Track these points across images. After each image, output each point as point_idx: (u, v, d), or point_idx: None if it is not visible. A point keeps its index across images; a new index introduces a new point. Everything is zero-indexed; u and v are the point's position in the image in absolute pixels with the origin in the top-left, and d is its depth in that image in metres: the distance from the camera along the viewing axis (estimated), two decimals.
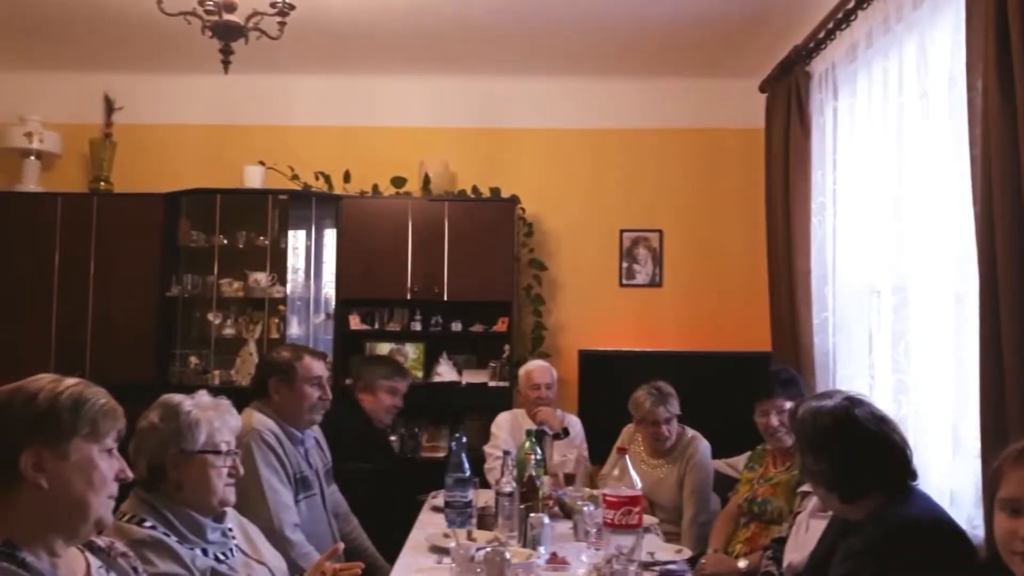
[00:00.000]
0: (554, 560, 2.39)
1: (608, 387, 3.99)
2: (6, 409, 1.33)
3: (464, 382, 4.74)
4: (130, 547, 1.66)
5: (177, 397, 2.00)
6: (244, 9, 2.86)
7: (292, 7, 2.93)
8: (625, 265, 5.06)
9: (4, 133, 4.85)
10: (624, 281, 5.06)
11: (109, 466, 1.42)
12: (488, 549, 2.15)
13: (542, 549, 2.44)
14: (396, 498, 3.17)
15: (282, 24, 2.92)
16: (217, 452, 1.93)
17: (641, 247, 5.07)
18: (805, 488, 2.63)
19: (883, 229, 2.93)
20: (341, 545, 2.06)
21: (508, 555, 2.14)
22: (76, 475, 1.34)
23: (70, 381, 1.41)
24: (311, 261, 4.75)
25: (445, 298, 4.64)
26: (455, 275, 4.64)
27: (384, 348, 4.76)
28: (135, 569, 1.54)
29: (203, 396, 2.03)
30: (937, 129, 2.55)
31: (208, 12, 2.82)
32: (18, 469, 1.29)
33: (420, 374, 4.74)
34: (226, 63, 2.83)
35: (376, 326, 4.77)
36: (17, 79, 5.00)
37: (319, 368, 2.68)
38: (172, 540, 1.81)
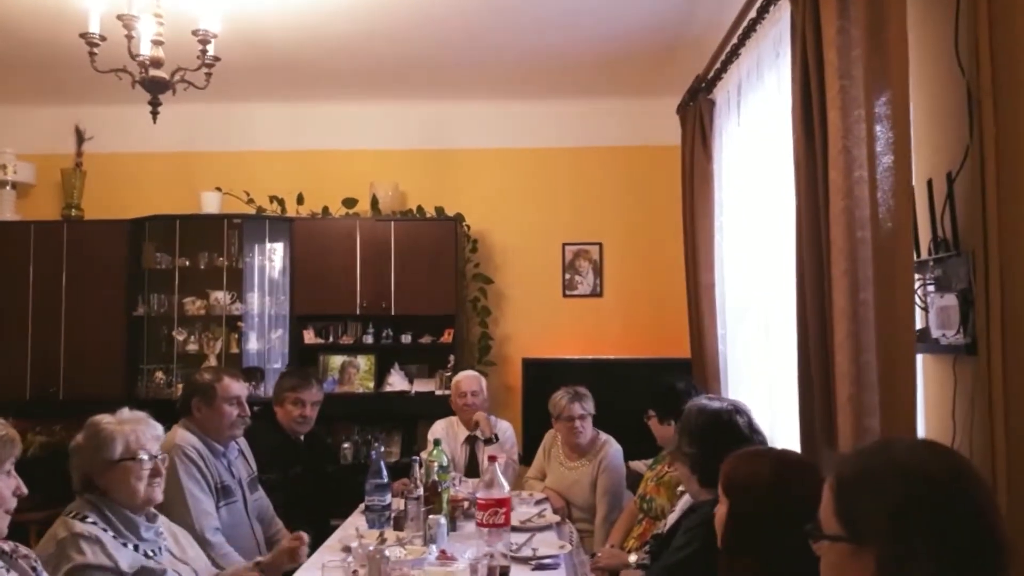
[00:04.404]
0: (442, 556, 2.68)
1: (551, 393, 4.18)
2: None
3: (414, 391, 5.04)
4: (70, 538, 2.03)
5: (99, 417, 2.32)
6: (170, 64, 3.16)
7: (217, 59, 3.23)
8: (567, 277, 5.35)
9: None
10: (567, 292, 5.35)
11: (6, 485, 1.73)
12: (371, 548, 2.44)
13: (433, 547, 2.73)
14: (310, 504, 3.45)
15: (208, 75, 3.22)
16: (135, 459, 2.22)
17: (582, 259, 5.35)
18: (681, 488, 2.92)
19: (753, 252, 3.21)
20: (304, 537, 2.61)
21: (389, 553, 2.44)
22: None
23: None
24: (267, 280, 5.06)
25: (392, 312, 4.94)
26: (401, 290, 4.94)
27: (337, 361, 5.07)
28: (34, 568, 1.85)
29: (124, 412, 2.34)
30: (786, 167, 2.82)
31: (140, 66, 3.12)
32: None
33: (372, 384, 5.05)
34: (154, 113, 3.13)
35: (330, 340, 5.08)
36: None
37: (237, 388, 2.98)
38: (108, 535, 2.12)
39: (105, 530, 2.12)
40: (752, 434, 2.39)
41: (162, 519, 2.38)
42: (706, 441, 2.29)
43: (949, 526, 1.03)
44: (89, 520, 2.12)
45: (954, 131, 1.95)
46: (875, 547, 1.06)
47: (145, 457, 2.24)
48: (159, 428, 2.38)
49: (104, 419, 2.28)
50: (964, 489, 1.06)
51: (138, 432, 2.27)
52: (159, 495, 2.28)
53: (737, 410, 2.44)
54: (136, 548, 2.17)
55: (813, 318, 2.26)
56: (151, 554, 2.22)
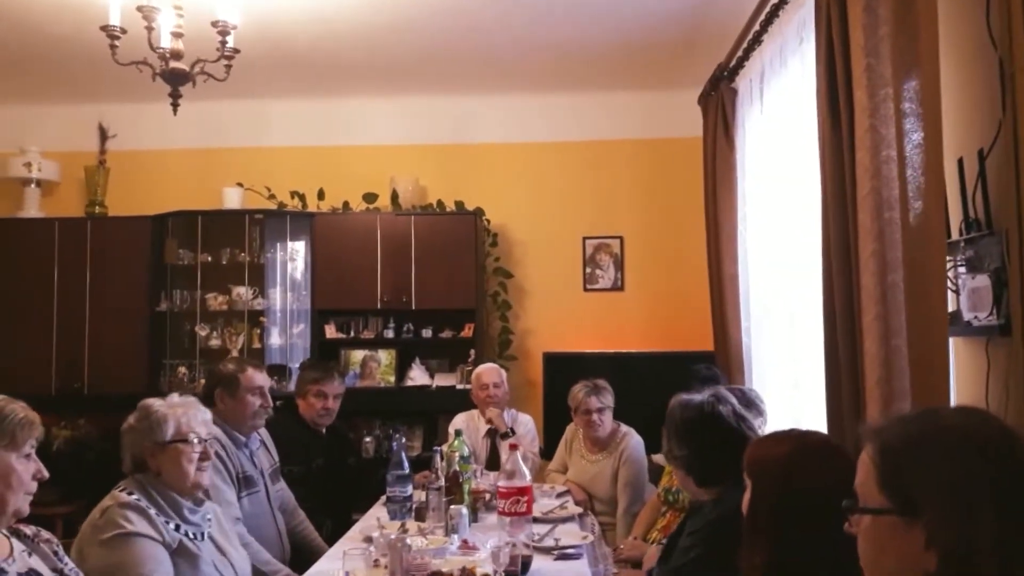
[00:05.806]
0: (464, 546, 2.67)
1: (572, 387, 4.20)
2: None
3: (435, 385, 5.03)
4: (116, 507, 2.09)
5: (150, 400, 2.35)
6: (190, 56, 3.17)
7: (237, 51, 3.23)
8: (588, 271, 5.32)
9: (5, 164, 5.24)
10: (587, 286, 5.31)
11: (26, 469, 1.73)
12: (393, 536, 2.43)
13: (455, 536, 2.71)
14: (331, 498, 3.44)
15: (228, 67, 3.23)
16: (185, 441, 2.24)
17: (603, 253, 5.32)
18: None
19: (778, 241, 3.16)
20: None
21: (411, 542, 2.42)
22: None
23: None
24: (288, 275, 5.07)
25: (413, 307, 4.93)
26: (422, 285, 4.93)
27: (358, 355, 5.06)
28: (56, 552, 1.85)
29: (173, 397, 2.38)
30: (811, 154, 2.77)
31: (160, 59, 3.13)
32: None
33: (393, 378, 5.05)
34: (175, 105, 3.14)
35: (351, 334, 5.08)
36: (16, 112, 5.38)
37: (260, 379, 2.97)
38: (152, 511, 2.15)
39: (148, 507, 2.15)
40: (739, 421, 2.31)
41: (213, 507, 2.40)
42: (693, 438, 2.23)
43: (1008, 491, 0.97)
44: (134, 497, 2.16)
45: (986, 107, 1.91)
46: (927, 518, 1.00)
47: (195, 440, 2.26)
48: (208, 413, 2.41)
49: (155, 402, 2.31)
50: (1018, 452, 1.00)
51: (189, 415, 2.30)
52: (207, 479, 2.31)
53: (719, 399, 2.36)
54: (178, 528, 2.20)
55: (841, 302, 2.22)
56: (192, 537, 2.23)
